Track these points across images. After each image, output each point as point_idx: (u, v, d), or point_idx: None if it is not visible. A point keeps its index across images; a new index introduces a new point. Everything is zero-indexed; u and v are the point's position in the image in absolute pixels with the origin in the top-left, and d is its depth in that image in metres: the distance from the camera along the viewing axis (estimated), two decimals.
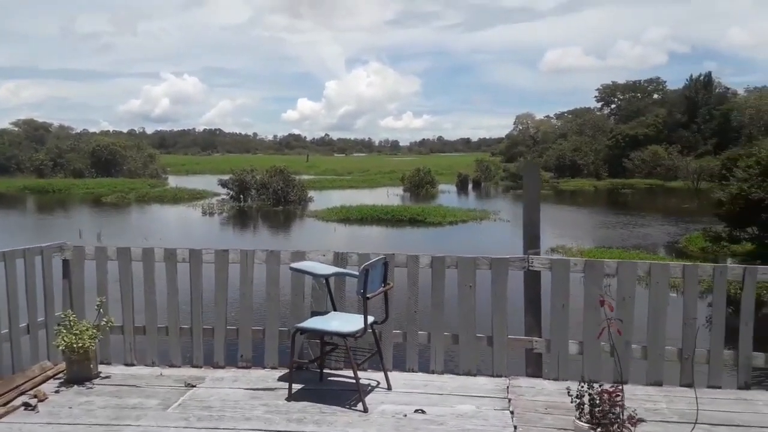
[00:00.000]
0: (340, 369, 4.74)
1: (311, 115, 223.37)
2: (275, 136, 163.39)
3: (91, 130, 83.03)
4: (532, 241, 4.79)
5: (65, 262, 5.01)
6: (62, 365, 4.67)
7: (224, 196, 39.30)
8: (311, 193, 40.77)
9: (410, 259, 4.74)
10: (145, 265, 4.89)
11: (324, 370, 4.61)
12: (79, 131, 75.71)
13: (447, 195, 46.52)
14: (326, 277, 4.58)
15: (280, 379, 4.56)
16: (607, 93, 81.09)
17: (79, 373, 4.50)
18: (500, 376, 4.64)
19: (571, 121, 75.95)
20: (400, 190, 48.58)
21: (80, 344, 4.42)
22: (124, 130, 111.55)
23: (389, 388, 4.36)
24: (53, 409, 4.04)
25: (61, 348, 4.46)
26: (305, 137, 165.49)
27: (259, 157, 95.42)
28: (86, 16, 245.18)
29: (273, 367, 4.83)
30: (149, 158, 64.48)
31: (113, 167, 58.78)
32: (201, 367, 4.88)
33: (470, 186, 55.05)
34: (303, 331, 4.22)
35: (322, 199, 40.24)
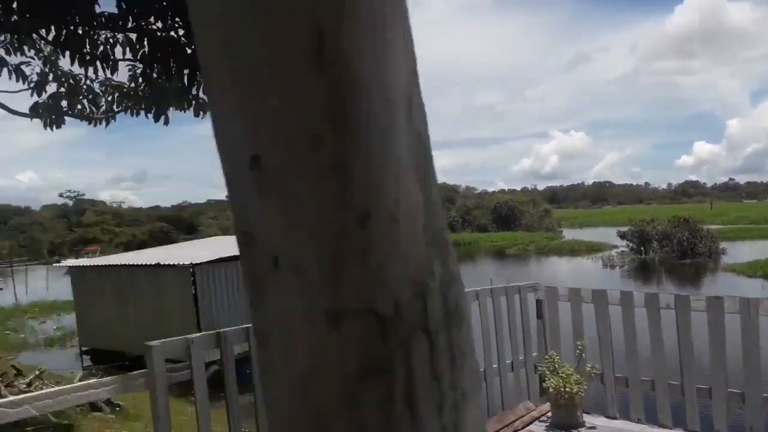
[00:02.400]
0: None
1: (710, 158, 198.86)
2: (669, 185, 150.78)
3: (490, 189, 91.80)
4: None
5: (538, 302, 5.05)
6: (544, 407, 4.64)
7: (623, 248, 37.49)
8: (723, 244, 35.60)
9: None
10: (624, 309, 4.56)
11: None
12: (480, 191, 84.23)
13: None
14: None
15: None
16: None
17: (566, 419, 4.38)
18: None
19: None
20: None
21: (567, 389, 4.30)
22: (518, 188, 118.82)
23: None
24: None
25: (550, 389, 4.43)
26: (704, 183, 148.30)
27: (654, 207, 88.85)
28: (483, 90, 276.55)
29: None
30: (544, 212, 67.00)
31: (512, 221, 62.88)
32: None
33: None
34: None
35: (735, 251, 34.70)
